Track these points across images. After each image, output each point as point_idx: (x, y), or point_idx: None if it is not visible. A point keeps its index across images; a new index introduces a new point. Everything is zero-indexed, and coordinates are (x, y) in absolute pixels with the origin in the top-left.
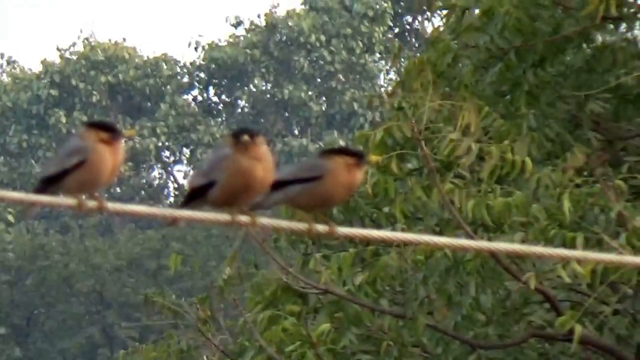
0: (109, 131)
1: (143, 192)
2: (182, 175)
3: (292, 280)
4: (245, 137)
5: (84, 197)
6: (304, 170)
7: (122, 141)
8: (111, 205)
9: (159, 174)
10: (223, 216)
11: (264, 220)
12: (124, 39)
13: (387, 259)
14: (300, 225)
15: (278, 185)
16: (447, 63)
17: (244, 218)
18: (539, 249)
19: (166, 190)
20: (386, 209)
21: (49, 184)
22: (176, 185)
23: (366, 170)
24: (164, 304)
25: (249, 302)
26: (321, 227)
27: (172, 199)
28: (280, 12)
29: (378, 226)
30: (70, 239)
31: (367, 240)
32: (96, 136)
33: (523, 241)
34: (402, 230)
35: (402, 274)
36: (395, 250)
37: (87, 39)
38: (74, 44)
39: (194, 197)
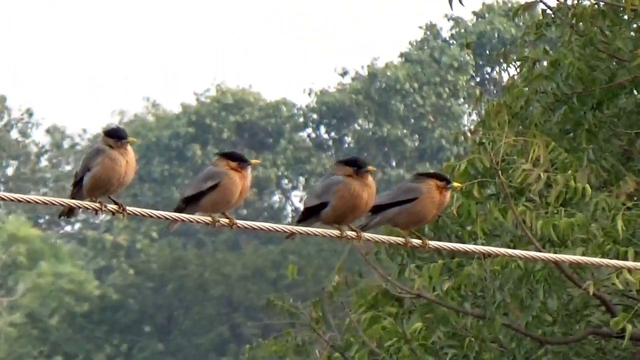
0: (238, 160)
1: (265, 214)
2: (299, 199)
3: (390, 286)
4: (371, 167)
5: (217, 215)
6: (402, 193)
7: (249, 169)
8: (240, 222)
9: (279, 198)
10: (333, 232)
11: (368, 235)
12: (250, 85)
13: (469, 269)
14: (398, 239)
15: (378, 209)
16: (520, 106)
17: (350, 233)
18: (596, 260)
19: (285, 212)
20: (469, 228)
21: (187, 204)
22: (293, 208)
23: (452, 194)
24: (282, 307)
25: (354, 305)
26: (415, 241)
27: (289, 220)
28: (380, 64)
29: (462, 241)
30: (204, 252)
31: (453, 252)
32: (227, 164)
33: (583, 254)
34: (482, 244)
35: (482, 282)
36: (477, 261)
37: (219, 85)
38: (208, 89)
39: (308, 215)
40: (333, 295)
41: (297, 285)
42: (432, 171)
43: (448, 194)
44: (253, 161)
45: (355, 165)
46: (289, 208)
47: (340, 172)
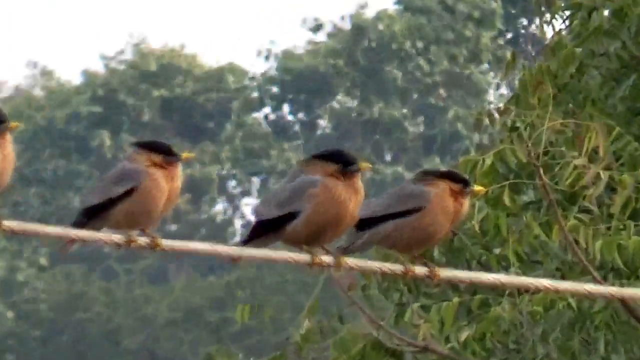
0: (164, 153)
1: (203, 230)
2: (251, 209)
3: (384, 335)
4: (365, 164)
5: (134, 233)
6: (400, 201)
7: (180, 165)
8: (166, 243)
9: (224, 208)
10: (302, 256)
11: (351, 262)
12: (182, 46)
13: (498, 310)
14: (395, 268)
15: (367, 224)
16: (570, 74)
17: (327, 259)
18: None
19: (231, 227)
20: (497, 250)
21: (91, 217)
22: (244, 222)
23: (472, 202)
24: None
25: None
26: (420, 270)
27: (238, 238)
28: (369, 14)
29: (487, 270)
30: (115, 286)
31: (475, 286)
32: (149, 159)
33: None
34: (517, 274)
35: (517, 329)
36: (508, 299)
37: (137, 45)
38: (121, 52)
39: (264, 232)
40: (302, 348)
41: (249, 333)
42: (443, 169)
43: (467, 202)
44: (185, 155)
45: (341, 161)
46: (237, 222)
47: (316, 170)
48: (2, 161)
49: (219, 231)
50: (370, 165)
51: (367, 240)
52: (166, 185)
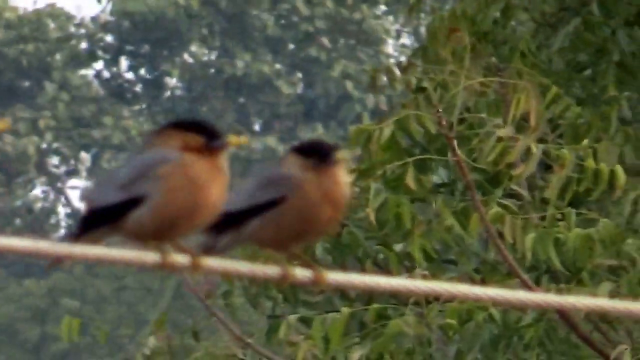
0: (209, 134)
1: (18, 221)
2: (80, 194)
3: (252, 356)
4: (236, 138)
5: None
6: (262, 189)
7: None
8: None
9: (43, 192)
10: (149, 255)
11: (212, 262)
12: None
13: (400, 323)
14: (269, 270)
15: (229, 220)
16: (493, 19)
17: (181, 259)
18: (636, 306)
19: (53, 217)
20: (399, 246)
21: None
22: (69, 210)
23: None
24: None
25: None
26: (301, 273)
27: (63, 232)
28: None
29: (386, 272)
30: None
31: (369, 293)
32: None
33: (612, 295)
34: (424, 278)
35: (424, 347)
36: (413, 310)
37: None
38: None
39: (97, 223)
40: None
41: (78, 353)
42: (306, 141)
43: (340, 176)
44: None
45: (204, 133)
46: (61, 210)
47: (169, 143)
48: None
49: (37, 222)
50: (245, 139)
51: (232, 241)
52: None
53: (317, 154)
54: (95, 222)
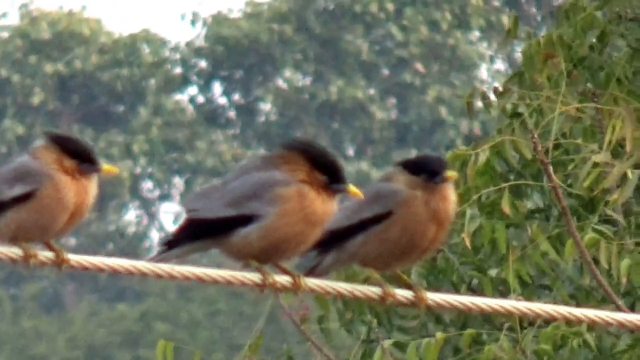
0: (81, 157)
1: (111, 245)
2: (173, 218)
3: None
4: (452, 173)
5: (32, 245)
6: (366, 205)
7: (96, 177)
8: (73, 257)
9: (136, 216)
10: (248, 275)
11: (312, 284)
12: (83, 8)
13: (494, 348)
14: (369, 291)
15: (332, 239)
16: (589, 44)
17: (282, 279)
18: None
19: (147, 241)
20: (493, 272)
21: None
22: (162, 234)
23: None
24: None
25: None
26: (403, 294)
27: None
28: None
29: (480, 296)
30: None
31: (464, 318)
32: (58, 159)
33: None
34: (519, 300)
35: None
36: (507, 335)
37: (24, 6)
38: (4, 14)
39: (195, 236)
40: None
41: None
42: (414, 157)
43: (443, 196)
44: (106, 167)
45: (330, 173)
46: (154, 234)
47: (287, 168)
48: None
49: (130, 246)
50: (360, 193)
51: (335, 260)
52: (74, 196)
53: (427, 171)
54: (197, 233)
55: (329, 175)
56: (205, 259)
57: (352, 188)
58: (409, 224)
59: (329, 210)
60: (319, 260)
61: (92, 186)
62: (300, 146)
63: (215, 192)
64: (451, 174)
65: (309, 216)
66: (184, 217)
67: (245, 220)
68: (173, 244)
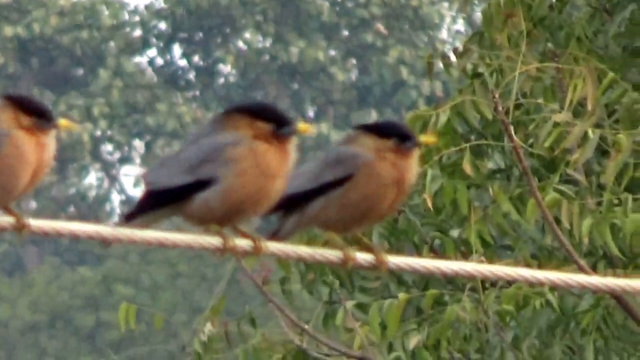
0: (37, 114)
1: (72, 207)
2: (133, 181)
3: (309, 342)
4: (305, 126)
5: None
6: (327, 169)
7: (54, 132)
8: (34, 223)
9: (97, 179)
10: (210, 240)
11: (274, 247)
12: None
13: (456, 309)
14: (330, 254)
15: (292, 202)
16: (549, 4)
17: (243, 242)
18: None
19: (107, 203)
20: (455, 232)
21: None
22: (123, 197)
23: (421, 169)
24: None
25: None
26: (364, 257)
27: (117, 218)
28: None
29: (442, 258)
30: None
31: (426, 279)
32: (16, 118)
33: None
34: (481, 263)
35: (481, 333)
36: (470, 295)
37: None
38: None
39: (155, 205)
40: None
41: (133, 340)
42: (378, 121)
43: (412, 162)
44: (63, 122)
45: (273, 120)
46: (115, 198)
47: (237, 128)
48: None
49: (91, 209)
50: (312, 129)
51: (297, 223)
52: (33, 153)
53: (399, 135)
54: (157, 203)
55: (274, 122)
56: (165, 223)
57: (302, 125)
58: (370, 188)
59: (286, 159)
60: (280, 224)
61: (51, 142)
62: (238, 106)
63: (171, 161)
64: (427, 138)
65: (265, 170)
66: (143, 189)
67: (202, 185)
68: (134, 215)
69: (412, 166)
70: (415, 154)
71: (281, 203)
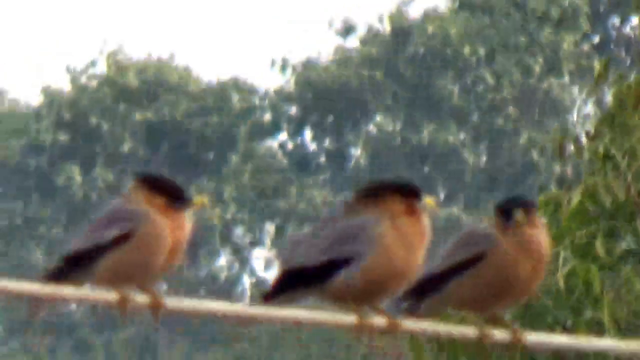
0: (172, 194)
1: (202, 290)
2: (263, 263)
3: None
4: (431, 202)
5: (127, 289)
6: (459, 248)
7: (189, 210)
8: (171, 301)
9: (228, 262)
10: (345, 317)
11: (410, 324)
12: (172, 56)
13: None
14: (467, 331)
15: (433, 283)
16: None
17: (378, 320)
18: None
19: (238, 286)
20: (588, 314)
21: (72, 268)
22: (254, 280)
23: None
24: None
25: None
26: (500, 335)
27: (247, 300)
28: (415, 13)
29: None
30: None
31: (559, 357)
32: (151, 199)
33: None
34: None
35: None
36: None
37: (112, 55)
38: (92, 63)
39: (293, 285)
40: None
41: None
42: (513, 196)
43: (540, 234)
44: (199, 200)
45: (412, 194)
46: (246, 280)
47: (371, 208)
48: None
49: (222, 291)
50: (434, 203)
51: (435, 303)
52: (170, 233)
53: (500, 213)
54: (296, 281)
55: (412, 195)
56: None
57: (429, 201)
58: (501, 263)
59: (424, 231)
60: (416, 306)
61: (186, 221)
62: (374, 185)
63: (306, 240)
64: (520, 218)
65: (408, 242)
66: (278, 268)
67: (344, 263)
68: (271, 295)
69: (534, 239)
70: (532, 228)
71: (416, 285)
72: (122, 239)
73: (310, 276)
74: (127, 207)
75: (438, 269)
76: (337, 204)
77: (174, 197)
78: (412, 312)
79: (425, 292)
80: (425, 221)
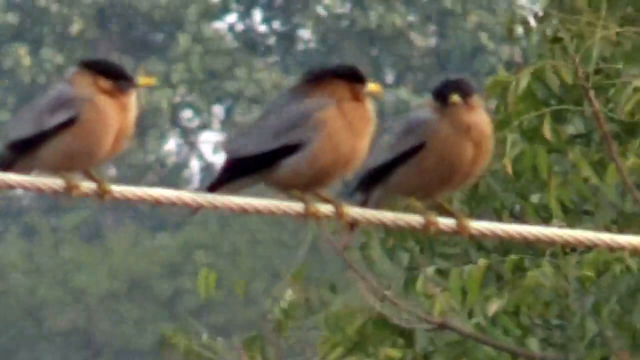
0: (116, 76)
1: (151, 175)
2: (212, 147)
3: (389, 309)
4: (455, 98)
5: (74, 176)
6: (401, 137)
7: (134, 92)
8: (117, 189)
9: (176, 145)
10: (292, 205)
11: (355, 212)
12: None
13: (537, 275)
14: (412, 219)
15: (377, 174)
16: None
17: (324, 208)
18: None
19: (187, 170)
20: (535, 197)
21: (17, 154)
22: (203, 164)
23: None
24: (188, 349)
25: (322, 346)
26: (444, 222)
27: (196, 185)
28: None
29: (522, 224)
30: (38, 248)
31: (506, 245)
32: (95, 83)
33: None
34: (561, 228)
35: (561, 299)
36: (550, 261)
37: None
38: None
39: (240, 173)
40: (283, 327)
41: (213, 307)
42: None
43: (478, 115)
44: (143, 79)
45: (357, 79)
46: (194, 164)
47: (321, 92)
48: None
49: (170, 176)
50: (378, 88)
51: (382, 193)
52: (116, 116)
53: (434, 95)
54: (242, 171)
55: (354, 80)
56: (246, 191)
57: (373, 86)
58: (442, 149)
59: (369, 116)
60: (365, 198)
61: (132, 103)
62: (322, 69)
63: (253, 129)
64: (455, 99)
65: (354, 127)
66: (225, 158)
67: (289, 150)
68: (218, 185)
69: (482, 122)
70: (463, 110)
71: (362, 178)
72: (66, 125)
73: (256, 164)
74: (71, 92)
75: (381, 161)
76: (283, 91)
77: (118, 79)
78: (362, 203)
79: (373, 184)
80: (370, 106)
